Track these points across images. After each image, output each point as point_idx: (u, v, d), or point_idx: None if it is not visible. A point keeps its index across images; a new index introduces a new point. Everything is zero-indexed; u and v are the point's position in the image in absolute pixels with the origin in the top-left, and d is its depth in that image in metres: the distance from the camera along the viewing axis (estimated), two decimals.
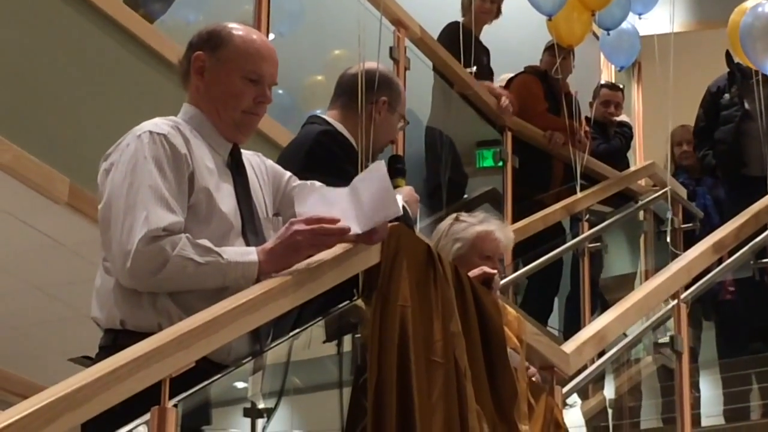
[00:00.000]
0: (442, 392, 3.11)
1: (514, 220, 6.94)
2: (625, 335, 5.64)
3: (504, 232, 4.13)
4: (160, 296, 2.89)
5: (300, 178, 3.32)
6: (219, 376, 2.83)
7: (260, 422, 3.15)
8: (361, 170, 3.51)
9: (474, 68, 7.38)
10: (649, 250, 8.29)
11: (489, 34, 7.82)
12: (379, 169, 2.98)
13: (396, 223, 3.25)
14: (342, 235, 2.95)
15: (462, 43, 7.17)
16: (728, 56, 8.00)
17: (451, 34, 7.39)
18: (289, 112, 6.36)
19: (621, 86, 8.80)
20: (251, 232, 3.04)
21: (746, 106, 7.78)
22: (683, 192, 8.12)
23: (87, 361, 3.43)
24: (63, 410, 2.26)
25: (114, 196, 2.93)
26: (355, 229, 2.95)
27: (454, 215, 4.20)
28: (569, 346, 4.45)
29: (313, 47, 7.20)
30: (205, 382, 2.75)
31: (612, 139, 8.40)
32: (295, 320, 3.23)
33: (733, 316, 7.45)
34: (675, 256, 6.63)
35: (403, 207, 3.74)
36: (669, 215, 7.87)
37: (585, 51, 8.92)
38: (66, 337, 5.84)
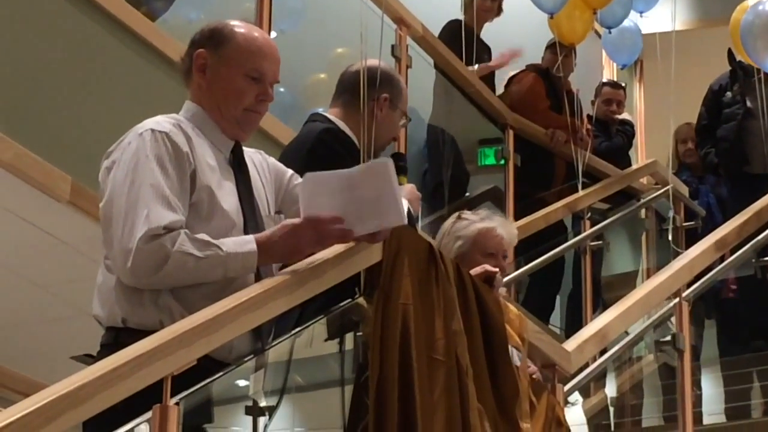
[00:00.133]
0: (444, 390, 3.11)
1: (516, 218, 6.94)
2: (627, 333, 5.64)
3: (506, 228, 4.13)
4: (161, 294, 2.89)
5: (302, 176, 3.32)
6: (221, 374, 2.83)
7: (262, 420, 3.15)
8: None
9: (476, 66, 7.38)
10: (650, 248, 8.28)
11: (491, 32, 7.82)
12: (386, 170, 2.97)
13: None
14: (343, 238, 2.97)
15: (463, 41, 7.16)
16: (730, 54, 7.99)
17: (452, 32, 7.39)
18: (290, 110, 6.36)
19: (623, 84, 8.80)
20: (253, 229, 3.04)
21: (748, 104, 7.77)
22: (685, 190, 8.11)
23: (89, 359, 3.44)
24: (65, 408, 2.26)
25: (115, 195, 2.93)
26: (357, 230, 2.95)
27: (457, 213, 4.20)
28: (571, 344, 4.45)
29: (315, 45, 7.20)
30: (207, 380, 2.75)
31: (614, 137, 8.40)
32: (297, 318, 3.23)
33: (735, 314, 7.44)
34: (677, 254, 6.62)
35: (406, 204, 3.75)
36: (671, 213, 7.86)
37: (587, 49, 8.91)
38: (68, 335, 5.84)
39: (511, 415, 3.39)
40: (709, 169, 8.26)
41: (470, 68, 7.25)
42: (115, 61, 5.14)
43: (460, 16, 7.57)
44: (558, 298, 7.77)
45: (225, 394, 3.09)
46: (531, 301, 7.30)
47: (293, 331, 3.18)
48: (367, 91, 3.80)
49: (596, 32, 9.06)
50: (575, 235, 7.62)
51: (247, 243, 2.92)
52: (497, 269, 3.81)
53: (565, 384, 4.28)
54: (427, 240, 3.36)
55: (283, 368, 3.25)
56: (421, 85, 6.89)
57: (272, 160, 3.32)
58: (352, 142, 3.87)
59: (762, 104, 7.45)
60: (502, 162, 7.51)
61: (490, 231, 4.07)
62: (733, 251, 6.49)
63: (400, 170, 3.98)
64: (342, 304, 3.22)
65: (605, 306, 6.63)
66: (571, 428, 3.88)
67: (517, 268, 6.69)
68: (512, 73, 8.07)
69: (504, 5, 7.77)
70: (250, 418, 3.12)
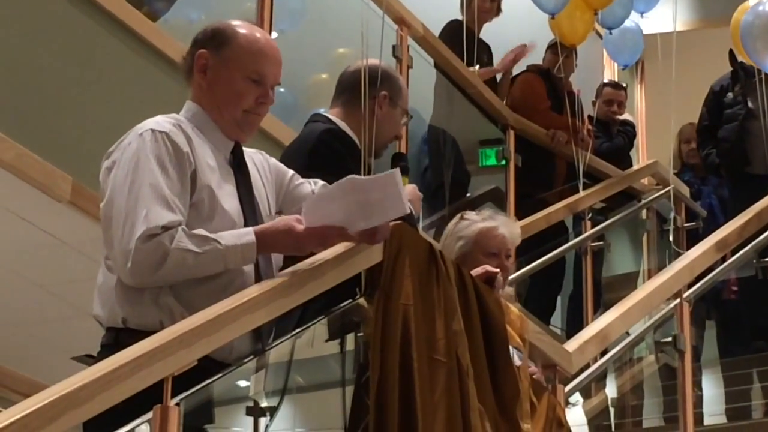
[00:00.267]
0: (445, 391, 3.11)
1: (517, 218, 6.92)
2: (628, 334, 5.64)
3: (508, 227, 4.13)
4: (162, 293, 2.89)
5: (303, 176, 3.32)
6: (221, 374, 2.83)
7: (263, 421, 3.15)
8: (364, 167, 3.51)
9: (477, 66, 7.37)
10: (651, 249, 8.28)
11: (491, 33, 7.81)
12: (393, 180, 2.96)
13: (398, 221, 3.25)
14: (345, 237, 2.97)
15: (463, 41, 7.16)
16: (732, 55, 7.98)
17: (452, 32, 7.39)
18: (292, 111, 6.36)
19: (624, 85, 8.79)
20: None
21: (750, 104, 7.76)
22: (686, 191, 8.11)
23: (89, 360, 3.44)
24: (65, 409, 2.26)
25: (116, 195, 2.93)
26: (360, 227, 2.95)
27: (460, 214, 4.20)
28: (572, 345, 4.45)
29: (316, 46, 7.20)
30: (207, 381, 2.75)
31: (615, 138, 8.40)
32: (298, 319, 3.23)
33: (736, 314, 7.44)
34: (678, 254, 6.62)
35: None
36: (672, 214, 7.86)
37: (588, 49, 8.91)
38: (68, 336, 5.84)
39: (511, 416, 3.39)
40: (710, 169, 8.26)
41: (471, 69, 7.25)
42: (116, 62, 5.14)
43: (461, 17, 7.56)
44: (559, 298, 7.76)
45: (226, 395, 3.09)
46: (532, 302, 7.30)
47: (294, 332, 3.17)
48: (367, 90, 3.80)
49: (597, 33, 9.06)
50: (576, 236, 7.62)
51: (246, 235, 2.92)
52: (498, 269, 3.80)
53: (566, 385, 4.28)
54: (428, 240, 3.36)
55: (284, 369, 3.25)
56: (421, 85, 6.89)
57: (273, 160, 3.32)
58: (353, 142, 3.87)
59: (763, 105, 7.44)
60: (503, 162, 7.51)
61: (492, 230, 4.07)
62: (734, 252, 6.49)
63: (402, 170, 3.98)
64: (343, 304, 3.22)
65: (606, 307, 6.63)
66: (571, 429, 3.89)
67: (518, 269, 6.69)
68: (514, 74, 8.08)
69: (505, 6, 7.76)
70: (251, 419, 3.12)
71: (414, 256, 3.19)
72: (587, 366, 4.94)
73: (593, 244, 7.54)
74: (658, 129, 10.44)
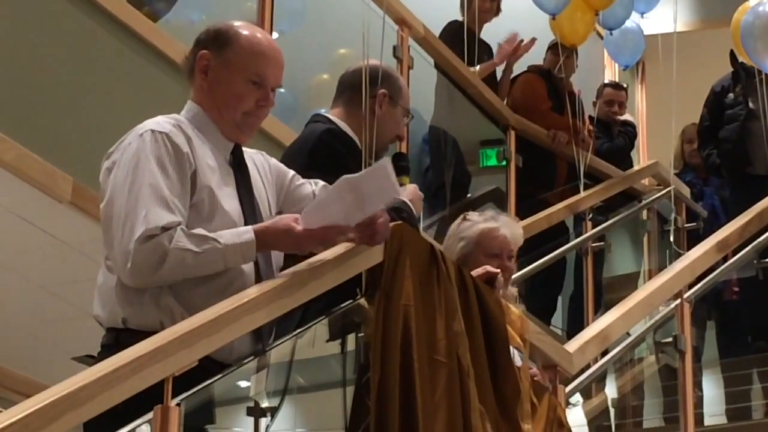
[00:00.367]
0: (445, 391, 3.11)
1: (518, 219, 6.93)
2: (629, 334, 5.64)
3: (510, 228, 4.12)
4: (162, 294, 2.89)
5: (303, 177, 3.33)
6: (221, 375, 2.83)
7: (263, 421, 3.15)
8: (364, 167, 3.51)
9: (477, 67, 7.37)
10: (652, 250, 8.28)
11: (492, 34, 7.81)
12: (385, 171, 2.97)
13: (399, 222, 3.26)
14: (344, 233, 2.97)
15: (463, 41, 7.16)
16: (733, 55, 7.98)
17: (452, 32, 7.39)
18: (293, 111, 6.36)
19: (624, 85, 8.80)
20: None
21: (751, 105, 7.76)
22: (687, 191, 8.11)
23: (90, 360, 3.43)
24: (65, 409, 2.26)
25: (116, 195, 2.93)
26: (358, 217, 2.95)
27: (463, 214, 4.20)
28: (572, 346, 4.45)
29: (317, 46, 7.20)
30: (208, 381, 2.75)
31: (615, 138, 8.40)
32: (300, 319, 3.23)
33: (736, 315, 7.44)
34: (678, 255, 6.62)
35: (407, 205, 3.75)
36: (672, 215, 7.86)
37: (589, 50, 8.91)
38: (69, 336, 5.84)
39: (512, 416, 3.40)
40: (711, 170, 8.26)
41: (471, 69, 7.25)
42: (117, 62, 5.14)
43: (461, 17, 7.56)
44: (559, 299, 7.76)
45: (227, 395, 3.09)
46: (533, 302, 7.29)
47: (294, 332, 3.18)
48: (367, 89, 3.80)
49: (598, 33, 9.06)
50: (577, 236, 7.62)
51: (245, 233, 2.92)
52: (498, 270, 3.80)
53: (566, 385, 4.28)
54: (429, 241, 3.36)
55: (284, 369, 3.25)
56: (422, 86, 6.89)
57: (273, 160, 3.32)
58: (353, 142, 3.87)
59: (764, 105, 7.44)
60: (504, 163, 7.51)
61: (493, 231, 4.07)
62: (735, 252, 6.49)
63: (403, 170, 3.98)
64: (343, 305, 3.22)
65: (607, 307, 6.62)
66: (572, 429, 3.89)
67: (519, 269, 6.69)
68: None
69: (505, 6, 7.76)
70: (251, 419, 3.12)
71: (415, 257, 3.19)
72: (588, 366, 4.94)
73: (594, 244, 7.54)
74: (658, 129, 10.44)
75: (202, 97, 3.14)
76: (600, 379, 6.18)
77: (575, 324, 7.25)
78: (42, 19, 4.84)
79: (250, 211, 3.06)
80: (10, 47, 4.68)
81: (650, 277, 7.12)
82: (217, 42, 3.13)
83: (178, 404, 2.53)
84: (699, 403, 6.59)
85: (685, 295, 5.61)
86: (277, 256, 3.11)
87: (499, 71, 7.89)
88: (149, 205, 2.86)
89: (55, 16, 4.89)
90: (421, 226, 5.25)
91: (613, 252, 7.94)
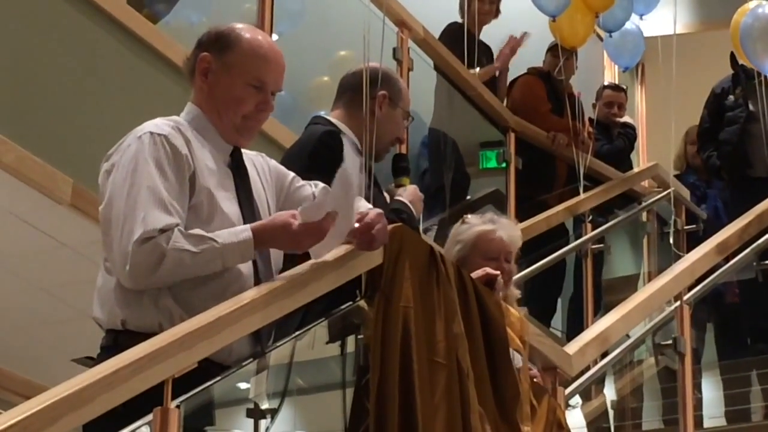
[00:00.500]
0: (445, 393, 3.11)
1: (518, 221, 6.93)
2: (628, 336, 5.64)
3: (507, 230, 4.11)
4: (161, 296, 2.89)
5: (303, 179, 3.32)
6: (221, 377, 2.83)
7: (263, 423, 3.15)
8: (366, 169, 3.52)
9: (477, 69, 7.38)
10: (652, 252, 8.28)
11: (492, 35, 7.82)
12: (344, 174, 2.98)
13: (398, 224, 3.26)
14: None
15: (462, 43, 7.16)
16: (733, 57, 7.98)
17: (451, 34, 7.39)
18: (293, 113, 6.36)
19: (624, 87, 8.80)
20: None
21: (751, 107, 7.76)
22: (686, 193, 8.11)
23: (90, 362, 3.44)
24: (65, 411, 2.26)
25: (114, 198, 2.93)
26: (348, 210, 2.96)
27: (463, 217, 4.20)
28: (572, 348, 4.45)
29: (318, 48, 7.20)
30: (208, 383, 2.76)
31: (615, 140, 8.41)
32: (300, 321, 3.23)
33: (735, 317, 7.44)
34: (678, 257, 6.62)
35: (407, 206, 3.75)
36: (672, 217, 7.86)
37: (588, 52, 8.91)
38: (69, 338, 5.84)
39: (512, 418, 3.40)
40: (711, 172, 8.26)
41: (471, 71, 7.25)
42: (117, 64, 5.14)
43: (460, 19, 7.57)
44: (559, 301, 7.76)
45: (226, 397, 3.09)
46: (532, 304, 7.30)
47: (294, 334, 3.18)
48: (368, 91, 3.80)
49: (597, 35, 9.06)
50: (576, 238, 7.62)
51: (242, 232, 2.92)
52: (498, 272, 3.80)
53: (566, 387, 4.28)
54: (428, 243, 3.37)
55: (284, 371, 3.25)
56: (422, 88, 6.89)
57: (273, 162, 3.32)
58: (353, 144, 3.88)
59: (763, 107, 7.44)
60: (504, 165, 7.51)
61: (489, 234, 4.05)
62: (735, 254, 6.48)
63: (403, 171, 4.00)
64: (343, 306, 3.22)
65: (606, 309, 6.62)
66: (571, 431, 3.89)
67: (518, 271, 6.69)
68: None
69: (505, 8, 7.77)
70: (251, 421, 3.12)
71: (414, 259, 3.19)
72: (587, 368, 4.94)
73: (594, 246, 7.54)
74: (658, 131, 10.43)
75: (202, 99, 3.14)
76: (599, 381, 6.17)
77: (575, 326, 7.26)
78: (42, 21, 4.84)
79: (249, 213, 3.06)
80: (9, 49, 4.68)
81: (650, 279, 7.13)
82: (218, 45, 3.13)
83: (178, 406, 2.53)
84: (698, 405, 6.59)
85: (685, 297, 5.61)
86: (276, 258, 3.11)
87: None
88: (147, 208, 2.86)
89: (55, 18, 4.89)
90: (421, 227, 5.26)
91: (613, 254, 7.94)
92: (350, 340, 3.31)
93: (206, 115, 3.11)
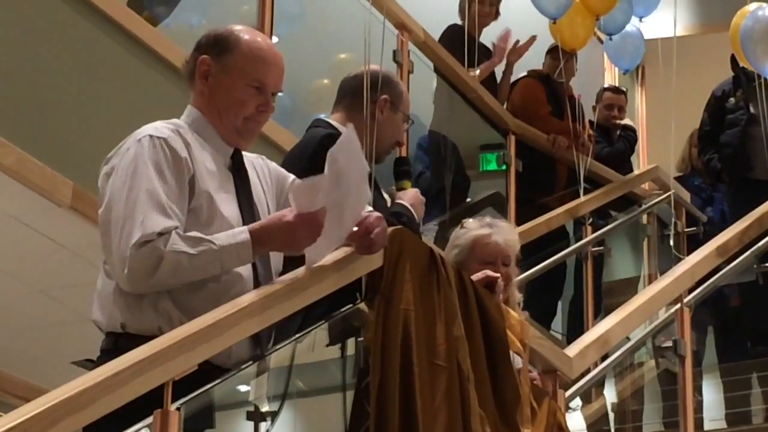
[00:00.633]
0: (445, 396, 3.11)
1: (518, 223, 6.93)
2: (628, 339, 5.64)
3: (503, 234, 4.11)
4: (161, 299, 2.88)
5: None
6: (221, 380, 2.83)
7: (263, 425, 3.15)
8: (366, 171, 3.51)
9: (477, 71, 7.38)
10: (652, 254, 8.28)
11: (491, 37, 7.81)
12: (350, 135, 2.98)
13: (399, 226, 3.26)
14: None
15: (462, 46, 7.16)
16: (733, 60, 7.98)
17: (451, 36, 7.39)
18: (293, 116, 6.36)
19: (624, 89, 8.80)
20: None
21: (751, 110, 7.76)
22: (687, 196, 8.11)
23: (90, 364, 3.44)
24: (65, 413, 2.26)
25: (114, 201, 2.93)
26: (338, 196, 2.95)
27: (462, 221, 4.20)
28: (572, 350, 4.45)
29: (318, 51, 7.20)
30: (208, 386, 2.75)
31: (616, 143, 8.40)
32: (300, 324, 3.23)
33: (736, 319, 7.44)
34: (678, 260, 6.62)
35: (408, 209, 3.75)
36: (672, 219, 7.86)
37: (589, 54, 8.91)
38: (69, 340, 5.84)
39: (512, 421, 3.39)
40: (711, 174, 8.25)
41: (471, 73, 7.25)
42: (117, 66, 5.14)
43: (460, 22, 7.57)
44: (559, 303, 7.76)
45: (227, 400, 3.09)
46: (532, 307, 7.29)
47: (294, 337, 3.17)
48: (368, 94, 3.80)
49: (597, 37, 9.06)
50: (577, 241, 7.62)
51: (240, 233, 2.92)
52: (498, 275, 3.80)
53: (566, 389, 4.28)
54: (429, 245, 3.36)
55: (284, 374, 3.25)
56: (422, 90, 6.89)
57: (273, 165, 3.32)
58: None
59: (763, 110, 7.44)
60: (504, 167, 7.51)
61: (485, 238, 4.05)
62: (735, 257, 6.48)
63: (404, 175, 3.99)
64: (343, 309, 3.22)
65: (607, 312, 6.62)
66: None
67: (518, 274, 6.69)
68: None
69: (505, 10, 7.76)
70: (251, 424, 3.12)
71: (414, 261, 3.19)
72: (588, 371, 4.94)
73: (594, 248, 7.54)
74: (658, 134, 10.43)
75: (203, 101, 3.13)
76: (600, 384, 6.18)
77: (575, 328, 7.25)
78: (42, 24, 4.84)
79: (249, 215, 3.06)
80: (9, 51, 4.68)
81: (650, 282, 7.13)
82: (217, 47, 3.13)
83: (178, 408, 2.53)
84: (699, 407, 6.59)
85: (685, 300, 5.61)
86: (276, 261, 3.11)
87: (499, 73, 7.89)
88: (146, 211, 2.86)
89: (55, 20, 4.89)
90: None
91: (613, 256, 7.94)
92: (350, 343, 3.31)
93: (207, 117, 3.11)
